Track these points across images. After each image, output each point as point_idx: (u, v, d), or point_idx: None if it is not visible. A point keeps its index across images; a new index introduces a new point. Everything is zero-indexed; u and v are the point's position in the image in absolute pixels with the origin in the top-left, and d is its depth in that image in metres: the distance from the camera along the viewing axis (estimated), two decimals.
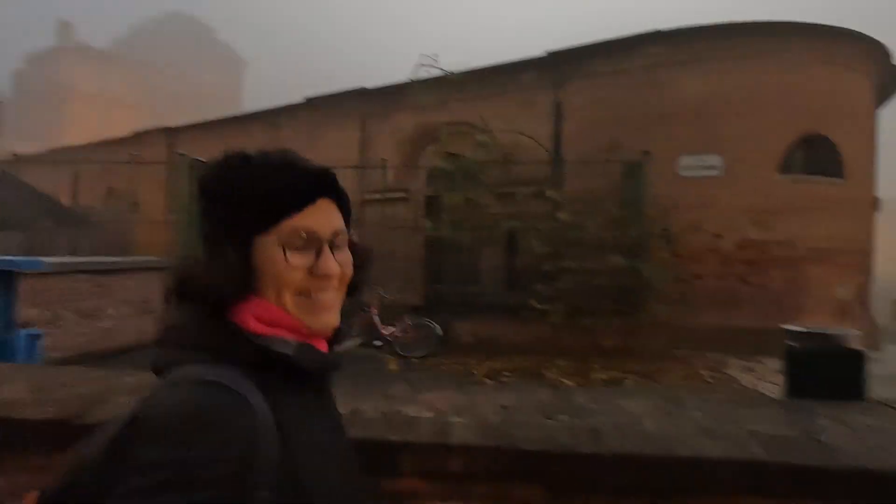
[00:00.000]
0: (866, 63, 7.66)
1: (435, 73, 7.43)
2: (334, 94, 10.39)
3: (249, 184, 0.53)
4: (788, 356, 3.24)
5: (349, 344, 6.40)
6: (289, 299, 0.53)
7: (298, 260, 0.53)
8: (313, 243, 0.54)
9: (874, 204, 8.22)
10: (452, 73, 7.31)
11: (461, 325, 6.40)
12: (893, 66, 8.08)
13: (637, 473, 1.15)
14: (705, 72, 6.98)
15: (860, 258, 7.37)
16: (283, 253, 0.52)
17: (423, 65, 7.38)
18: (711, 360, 6.35)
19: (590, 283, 5.71)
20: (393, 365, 6.01)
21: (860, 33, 7.34)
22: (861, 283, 7.42)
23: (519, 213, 5.93)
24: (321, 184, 0.56)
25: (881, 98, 8.71)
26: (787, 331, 3.33)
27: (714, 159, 6.83)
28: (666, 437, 1.24)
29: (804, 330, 3.30)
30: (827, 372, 3.01)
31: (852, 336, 3.19)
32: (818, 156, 7.20)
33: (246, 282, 0.53)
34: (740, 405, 1.63)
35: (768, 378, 5.51)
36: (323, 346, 0.58)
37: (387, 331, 6.43)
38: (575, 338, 5.78)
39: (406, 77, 7.97)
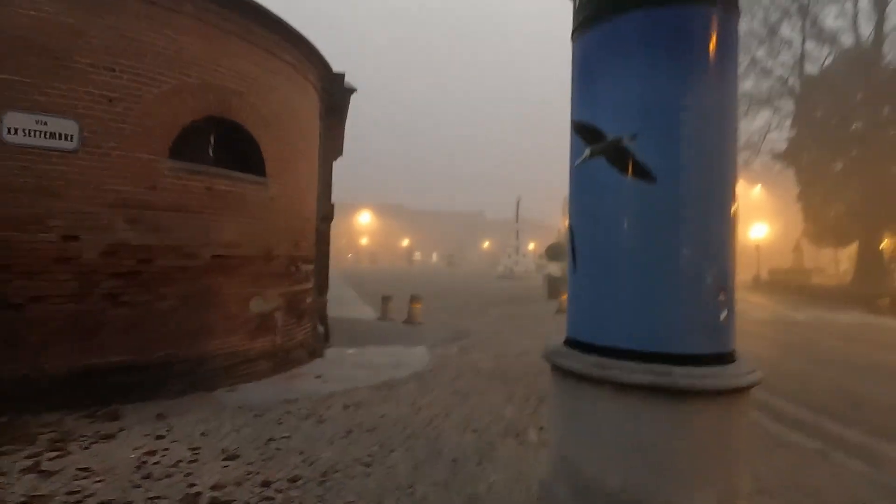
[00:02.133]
0: (307, 65, 7.35)
1: None
2: None
3: None
4: None
5: None
6: None
7: None
8: None
9: (317, 210, 8.16)
10: None
11: None
12: (337, 75, 8.27)
13: None
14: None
15: (289, 266, 6.85)
16: None
17: None
18: (40, 426, 4.05)
19: None
20: None
21: (302, 35, 6.84)
22: (291, 293, 6.91)
23: None
24: None
25: (332, 111, 8.96)
26: None
27: (67, 125, 4.64)
28: None
29: None
30: None
31: None
32: (233, 148, 6.19)
33: None
34: None
35: (73, 460, 3.55)
36: None
37: None
38: None
39: None
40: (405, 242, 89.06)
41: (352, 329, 11.44)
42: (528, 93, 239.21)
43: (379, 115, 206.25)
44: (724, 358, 2.54)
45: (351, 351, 8.59)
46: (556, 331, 9.94)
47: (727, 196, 2.59)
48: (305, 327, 7.40)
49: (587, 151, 2.70)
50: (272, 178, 6.43)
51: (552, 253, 22.35)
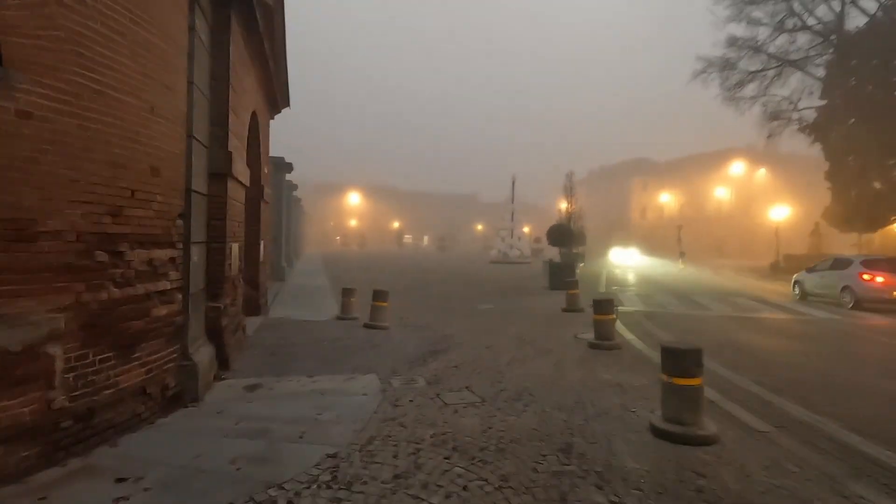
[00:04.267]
0: None
1: None
2: None
3: None
4: None
5: None
6: None
7: None
8: None
9: (189, 161, 4.86)
10: None
11: None
12: None
13: None
14: None
15: (90, 253, 3.61)
16: None
17: None
18: None
19: None
20: None
21: None
22: (100, 303, 3.69)
23: None
24: None
25: (225, 4, 5.62)
26: None
27: None
28: None
29: None
30: None
31: None
32: None
33: None
34: None
35: None
36: None
37: None
38: None
39: None
40: (396, 224, 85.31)
41: (290, 337, 8.28)
42: (522, 74, 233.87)
43: (373, 96, 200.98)
44: None
45: (254, 387, 5.42)
46: (575, 348, 5.83)
47: None
48: (148, 362, 4.20)
49: None
50: (20, 71, 3.15)
51: (555, 235, 19.20)
